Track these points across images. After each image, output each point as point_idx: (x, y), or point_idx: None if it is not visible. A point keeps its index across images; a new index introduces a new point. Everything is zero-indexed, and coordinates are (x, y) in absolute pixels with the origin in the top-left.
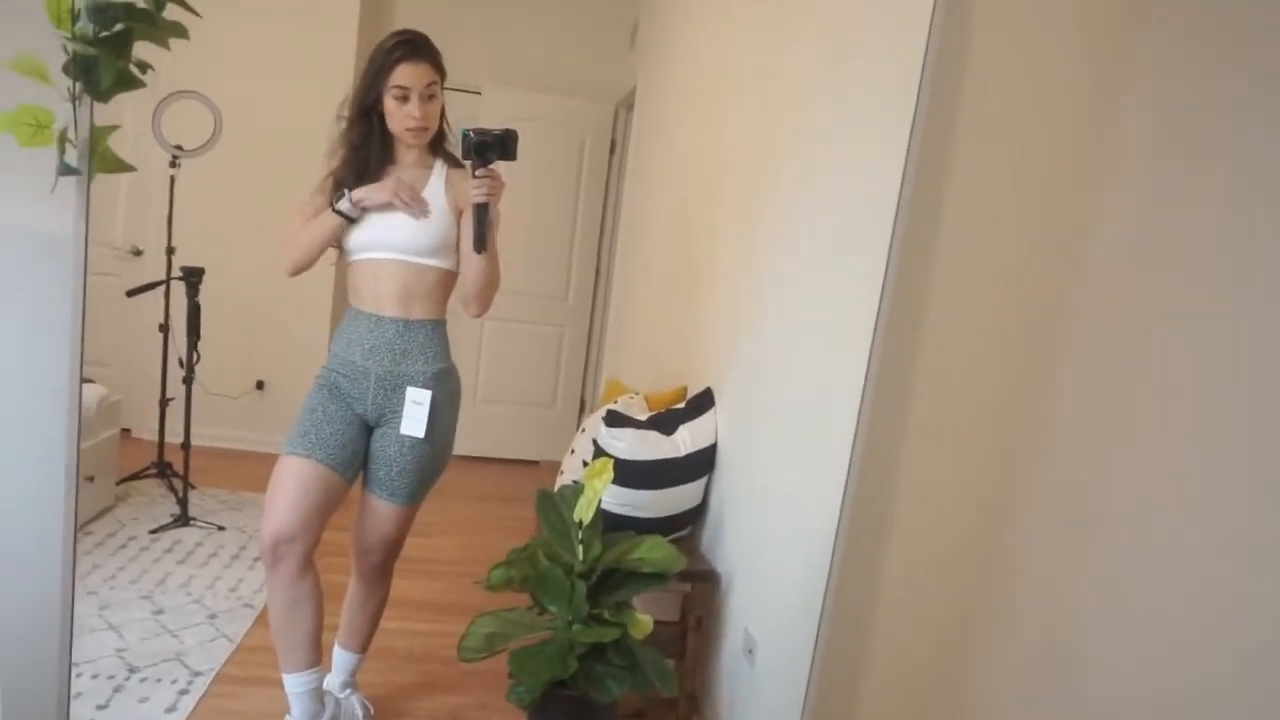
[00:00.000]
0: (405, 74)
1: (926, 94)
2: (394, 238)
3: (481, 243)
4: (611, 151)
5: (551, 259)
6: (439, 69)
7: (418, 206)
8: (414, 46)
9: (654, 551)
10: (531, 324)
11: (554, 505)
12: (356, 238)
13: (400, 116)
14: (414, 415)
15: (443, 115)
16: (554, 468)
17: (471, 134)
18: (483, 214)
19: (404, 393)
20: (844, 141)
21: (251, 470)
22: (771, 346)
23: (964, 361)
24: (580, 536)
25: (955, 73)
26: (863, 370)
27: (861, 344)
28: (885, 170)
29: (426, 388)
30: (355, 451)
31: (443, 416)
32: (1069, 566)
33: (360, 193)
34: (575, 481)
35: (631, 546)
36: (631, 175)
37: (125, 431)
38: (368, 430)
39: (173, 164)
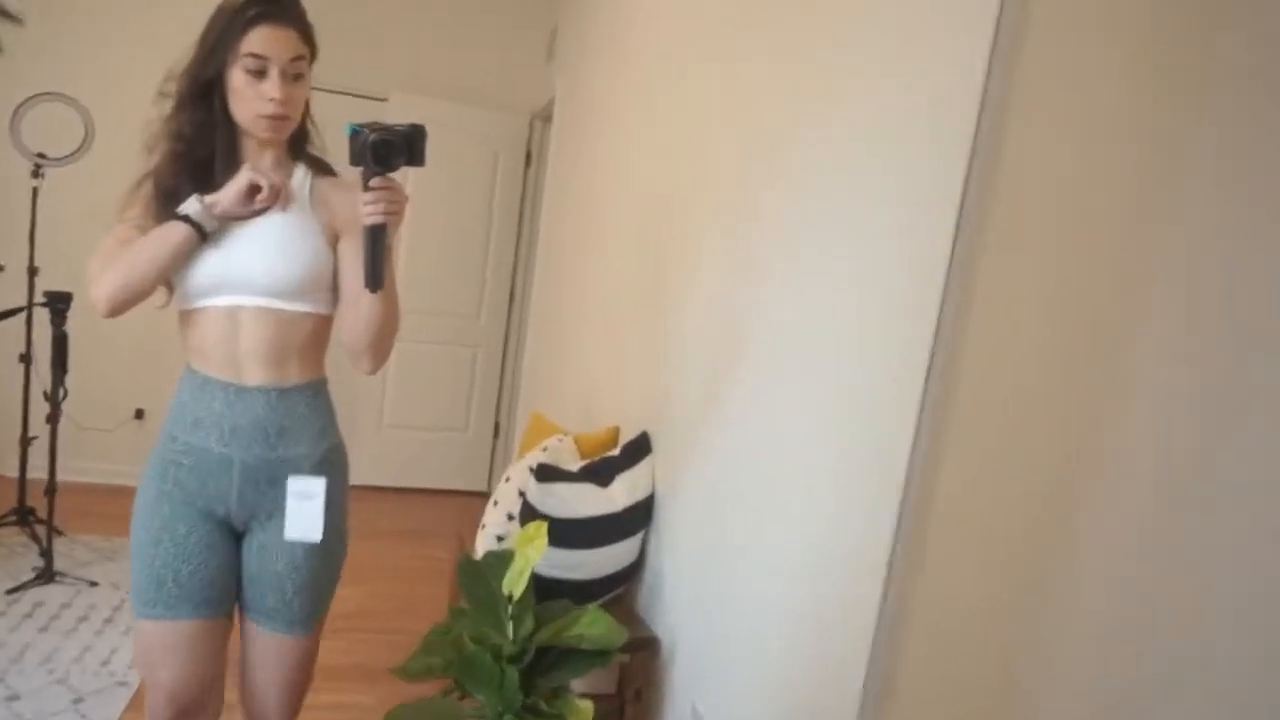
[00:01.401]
0: (263, 39)
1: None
2: (251, 274)
3: (377, 278)
4: (527, 164)
5: (463, 277)
6: (309, 41)
7: (283, 199)
8: (278, 5)
9: (594, 626)
10: (442, 344)
11: (479, 576)
12: (195, 277)
13: (252, 98)
14: (304, 513)
15: (308, 113)
16: (466, 501)
17: (366, 131)
18: (378, 239)
19: (283, 486)
20: (852, 168)
21: (129, 507)
22: (729, 387)
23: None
24: (510, 612)
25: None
26: (856, 419)
27: (863, 392)
28: (910, 194)
29: (317, 474)
30: (229, 577)
31: (339, 509)
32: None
33: (217, 196)
34: (499, 538)
35: (569, 621)
36: (552, 192)
37: None
38: (234, 537)
39: (35, 174)
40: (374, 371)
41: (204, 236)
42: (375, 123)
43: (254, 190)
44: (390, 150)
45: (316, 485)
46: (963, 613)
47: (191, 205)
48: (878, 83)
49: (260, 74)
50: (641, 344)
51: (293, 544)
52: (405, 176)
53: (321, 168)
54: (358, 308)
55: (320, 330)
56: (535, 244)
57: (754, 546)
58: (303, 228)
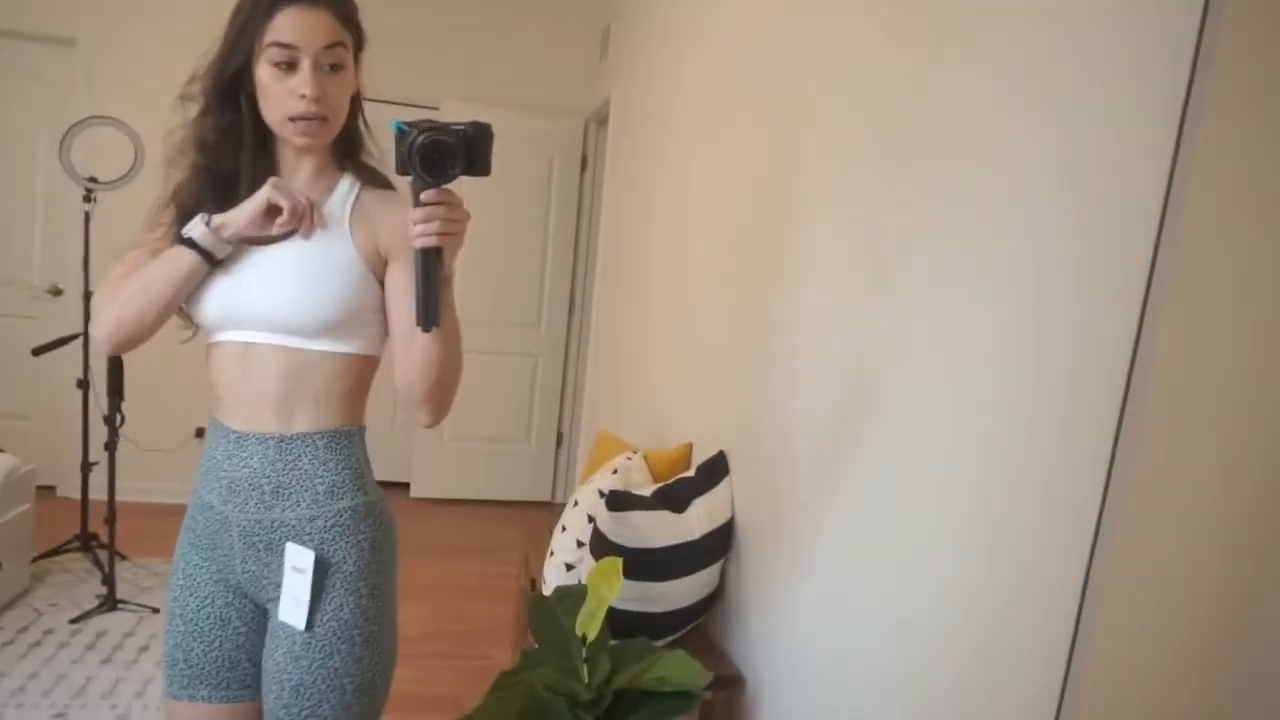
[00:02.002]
0: (291, 24)
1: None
2: (262, 306)
3: (430, 313)
4: (583, 168)
5: (522, 285)
6: (349, 24)
7: (305, 223)
8: None
9: (678, 668)
10: (502, 355)
11: (549, 615)
12: (202, 308)
13: (281, 95)
14: (293, 590)
15: (359, 111)
16: (531, 512)
17: (414, 131)
18: (431, 266)
19: (284, 553)
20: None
21: None
22: (850, 412)
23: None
24: (585, 655)
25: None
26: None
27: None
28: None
29: (318, 543)
30: (253, 651)
31: (356, 591)
32: None
33: (225, 216)
34: (568, 566)
35: (649, 663)
36: (610, 196)
37: (50, 489)
38: (261, 610)
39: (87, 198)
40: (432, 424)
41: (213, 263)
42: (427, 121)
43: (274, 211)
44: (444, 155)
45: (305, 558)
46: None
47: (196, 227)
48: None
49: (289, 66)
50: (722, 357)
51: (290, 629)
52: (461, 185)
53: (373, 178)
54: (409, 349)
55: (350, 373)
56: (594, 249)
57: (879, 589)
58: (334, 251)
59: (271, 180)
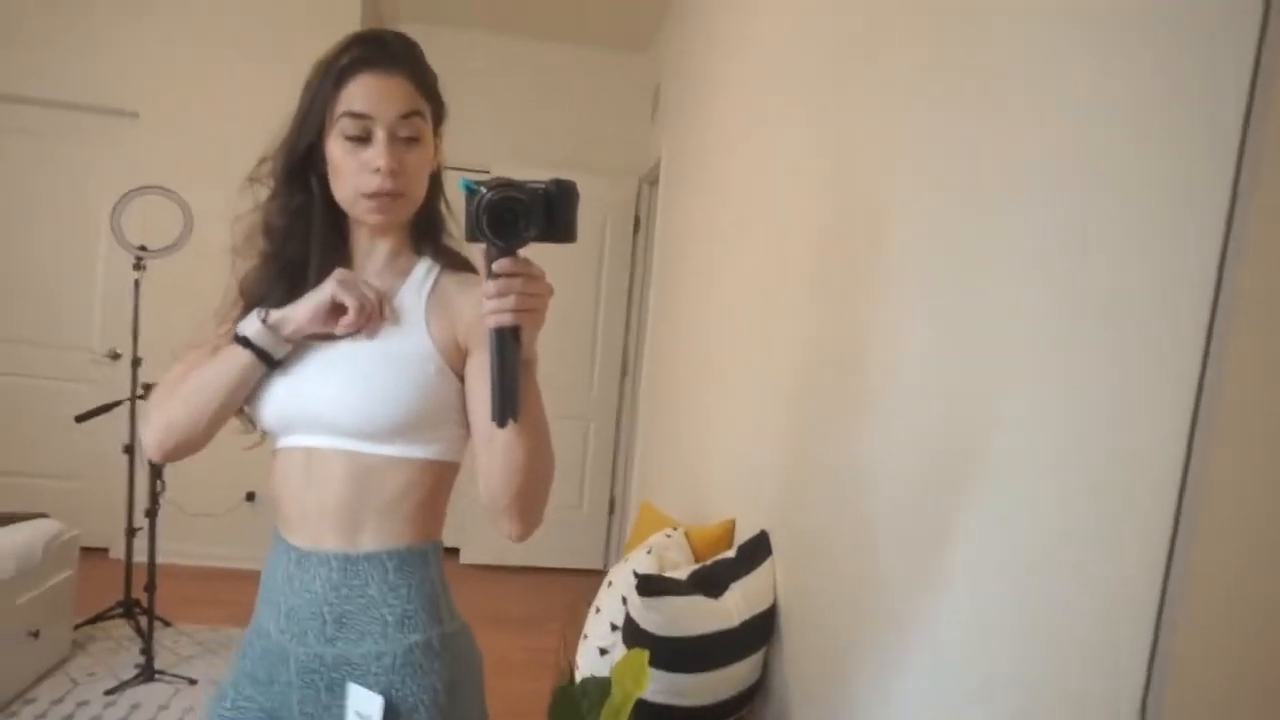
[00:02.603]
0: (364, 92)
1: None
2: (323, 407)
3: (506, 405)
4: (635, 230)
5: (573, 347)
6: (428, 94)
7: (373, 322)
8: (381, 47)
9: None
10: (553, 418)
11: (572, 709)
12: (262, 411)
13: (353, 170)
14: None
15: (440, 191)
16: (581, 580)
17: (483, 190)
18: (506, 349)
19: (344, 695)
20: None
21: (240, 593)
22: (893, 472)
23: None
24: None
25: None
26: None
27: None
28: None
29: (384, 685)
30: None
31: None
32: None
33: (284, 311)
34: (602, 651)
35: None
36: (661, 258)
37: (103, 551)
38: None
39: (137, 265)
40: (521, 538)
41: (270, 364)
42: (500, 179)
43: (338, 309)
44: (517, 215)
45: (373, 704)
46: None
47: (251, 324)
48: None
49: (362, 139)
50: (771, 429)
51: None
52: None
53: (453, 261)
54: (490, 450)
55: (425, 482)
56: (646, 311)
57: (914, 674)
58: (405, 344)
59: (338, 273)
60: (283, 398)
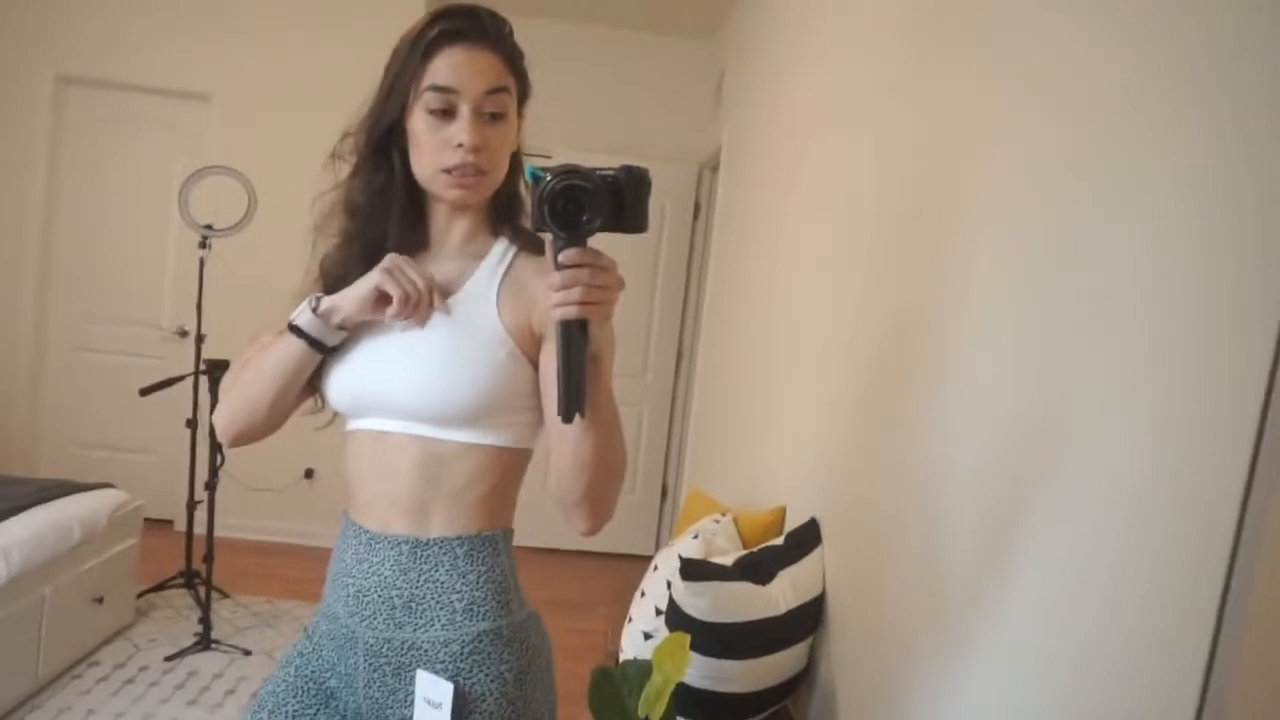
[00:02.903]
0: (450, 66)
1: None
2: (394, 390)
3: (572, 399)
4: (695, 216)
5: (628, 333)
6: (515, 70)
7: (421, 311)
8: (471, 20)
9: None
10: None
11: (611, 693)
12: (334, 390)
13: (435, 145)
14: None
15: (520, 168)
16: (633, 565)
17: (548, 177)
18: (573, 342)
19: (413, 680)
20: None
21: (299, 568)
22: (958, 459)
23: None
24: None
25: None
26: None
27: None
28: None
29: (453, 673)
30: None
31: None
32: None
33: (334, 300)
34: (646, 635)
35: None
36: (720, 244)
37: (168, 523)
38: None
39: (202, 244)
40: (589, 533)
41: (324, 351)
42: (568, 165)
43: (384, 298)
44: (581, 205)
45: (443, 691)
46: None
47: (304, 313)
48: None
49: (446, 113)
50: (827, 413)
51: None
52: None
53: (532, 244)
54: (560, 444)
55: (496, 469)
56: (703, 298)
57: (981, 671)
58: (477, 328)
59: (387, 259)
60: (349, 380)
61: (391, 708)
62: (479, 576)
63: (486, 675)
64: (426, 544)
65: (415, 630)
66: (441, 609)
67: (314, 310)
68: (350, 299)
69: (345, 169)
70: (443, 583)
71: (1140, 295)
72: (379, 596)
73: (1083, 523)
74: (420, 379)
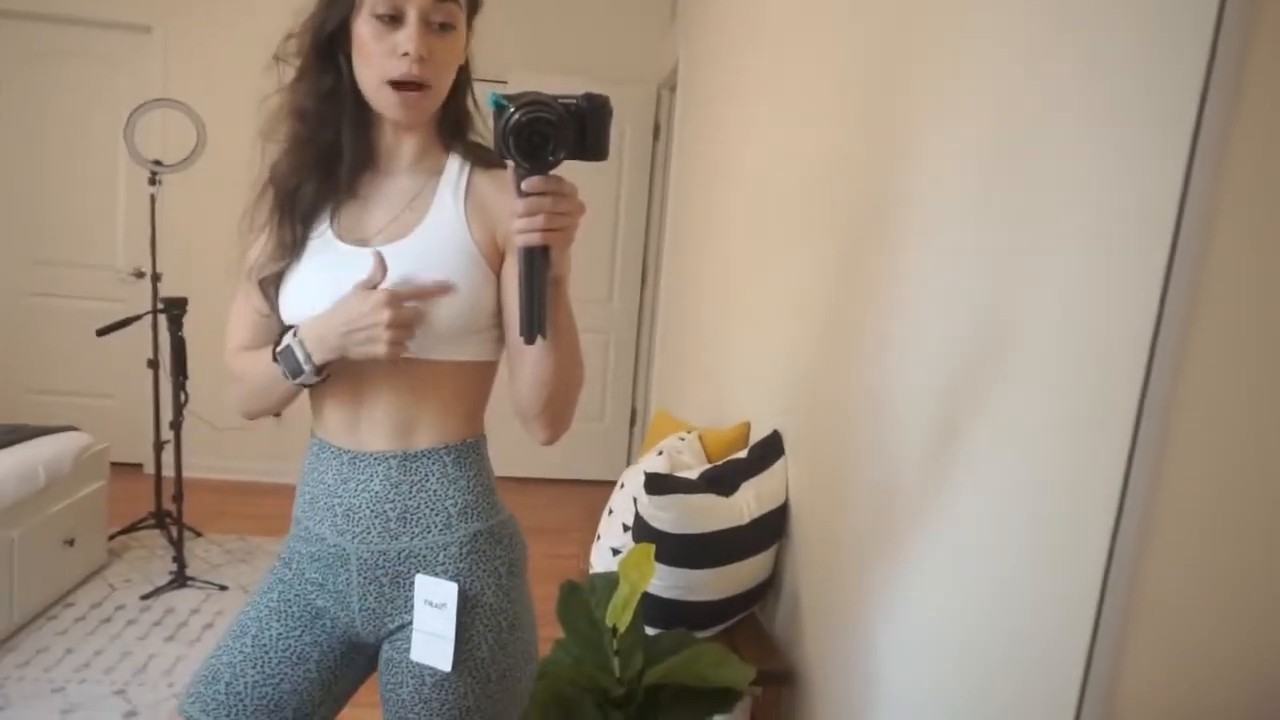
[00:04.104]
0: None
1: None
2: None
3: (534, 322)
4: (655, 137)
5: (592, 259)
6: None
7: (427, 294)
8: None
9: (716, 665)
10: None
11: (580, 605)
12: (298, 308)
13: (381, 54)
14: (431, 627)
15: (468, 87)
16: (604, 491)
17: (511, 107)
18: (535, 268)
19: (411, 586)
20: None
21: (270, 505)
22: (911, 374)
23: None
24: (615, 648)
25: None
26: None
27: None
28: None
29: (453, 573)
30: (309, 707)
31: (496, 625)
32: None
33: (309, 329)
34: (614, 551)
35: (686, 658)
36: (679, 164)
37: (136, 466)
38: (357, 659)
39: (152, 181)
40: (549, 442)
41: (310, 381)
42: (530, 94)
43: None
44: (546, 136)
45: (446, 591)
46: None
47: (290, 358)
48: None
49: (393, 19)
50: (785, 326)
51: (418, 669)
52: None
53: (485, 158)
54: (521, 361)
55: (472, 381)
56: (666, 220)
57: (931, 573)
58: (450, 246)
59: (387, 323)
60: (321, 295)
61: (390, 615)
62: (468, 481)
63: (484, 571)
64: (415, 456)
65: (411, 539)
66: (436, 515)
67: (294, 342)
68: (327, 327)
69: (290, 72)
70: (435, 491)
71: (1075, 227)
72: (371, 512)
73: (1016, 445)
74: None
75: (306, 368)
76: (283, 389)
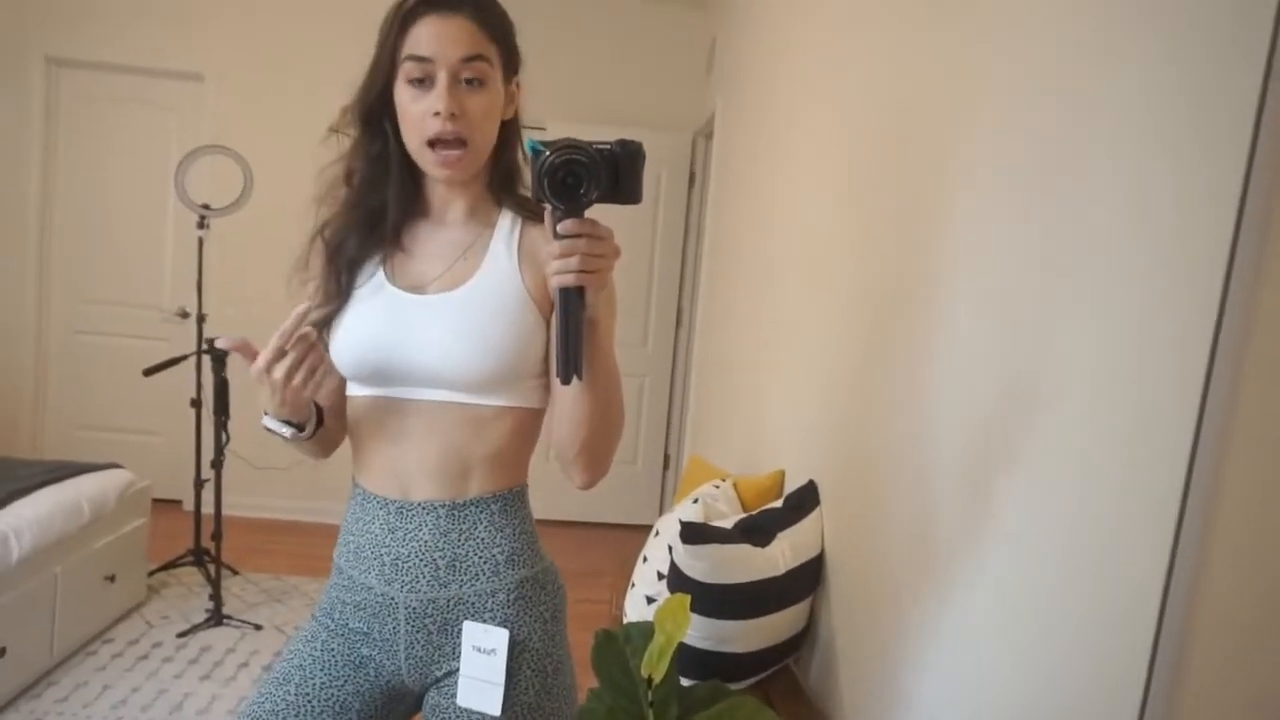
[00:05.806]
0: (426, 35)
1: None
2: (428, 359)
3: (569, 363)
4: (690, 184)
5: (627, 303)
6: (497, 37)
7: (316, 352)
8: None
9: (750, 717)
10: None
11: (615, 654)
12: (351, 357)
13: (418, 116)
14: (480, 673)
15: (517, 141)
16: (636, 535)
17: (547, 152)
18: (570, 309)
19: (458, 634)
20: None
21: (305, 544)
22: (925, 426)
23: None
24: (650, 698)
25: None
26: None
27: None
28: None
29: (501, 620)
30: None
31: (541, 670)
32: None
33: (275, 407)
34: (649, 599)
35: (722, 713)
36: (714, 211)
37: (176, 503)
38: (406, 711)
39: (200, 224)
40: (586, 486)
41: (302, 429)
42: (566, 140)
43: (273, 368)
44: (580, 178)
45: (495, 637)
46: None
47: (268, 419)
48: None
49: (425, 82)
50: (823, 376)
51: (468, 712)
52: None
53: (535, 213)
54: (561, 403)
55: (524, 429)
56: (700, 266)
57: (970, 624)
58: (505, 294)
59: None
60: (370, 348)
61: (437, 662)
62: (514, 529)
63: (531, 617)
64: (464, 505)
65: (460, 586)
66: (485, 563)
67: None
68: (266, 399)
69: (348, 144)
70: (483, 539)
71: (1111, 267)
72: (420, 560)
73: (1052, 494)
74: (460, 345)
75: (285, 431)
76: (297, 444)
